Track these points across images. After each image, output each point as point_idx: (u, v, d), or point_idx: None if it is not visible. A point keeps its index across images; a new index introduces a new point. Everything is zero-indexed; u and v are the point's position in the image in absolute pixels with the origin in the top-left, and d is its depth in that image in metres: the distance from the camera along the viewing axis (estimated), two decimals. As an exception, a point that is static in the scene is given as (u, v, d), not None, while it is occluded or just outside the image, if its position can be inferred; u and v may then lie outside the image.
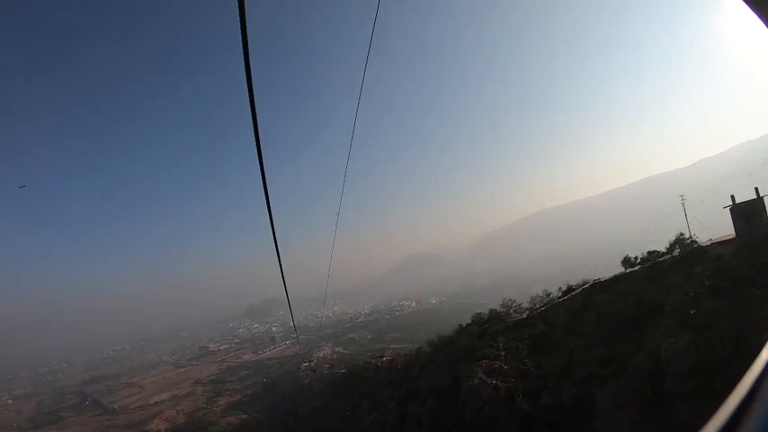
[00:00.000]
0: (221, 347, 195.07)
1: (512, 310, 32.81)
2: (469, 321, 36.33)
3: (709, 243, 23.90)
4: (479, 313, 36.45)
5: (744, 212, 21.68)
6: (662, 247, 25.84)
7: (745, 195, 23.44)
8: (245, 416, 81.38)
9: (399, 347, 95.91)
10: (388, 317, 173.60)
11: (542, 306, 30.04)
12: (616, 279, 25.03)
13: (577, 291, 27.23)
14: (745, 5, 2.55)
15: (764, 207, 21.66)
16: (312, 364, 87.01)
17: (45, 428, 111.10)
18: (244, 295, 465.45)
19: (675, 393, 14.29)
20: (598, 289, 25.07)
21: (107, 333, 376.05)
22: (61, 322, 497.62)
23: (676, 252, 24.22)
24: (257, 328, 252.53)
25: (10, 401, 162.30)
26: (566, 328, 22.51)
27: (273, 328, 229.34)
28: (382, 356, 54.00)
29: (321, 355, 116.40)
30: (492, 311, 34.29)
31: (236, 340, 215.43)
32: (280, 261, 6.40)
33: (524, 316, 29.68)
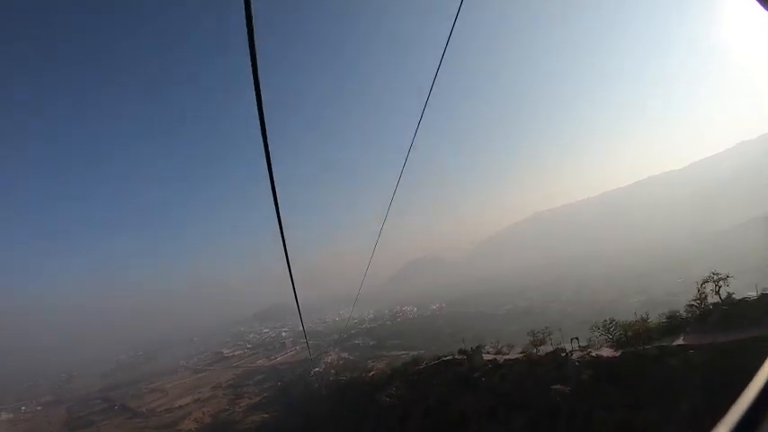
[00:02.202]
0: (235, 353, 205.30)
1: (424, 362, 50.86)
2: (409, 360, 57.49)
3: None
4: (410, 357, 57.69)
5: (469, 353, 40.89)
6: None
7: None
8: (265, 415, 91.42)
9: (397, 355, 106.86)
10: (390, 323, 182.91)
11: (424, 365, 49.12)
12: (446, 362, 44.95)
13: (436, 363, 46.45)
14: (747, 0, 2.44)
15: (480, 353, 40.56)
16: (321, 369, 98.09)
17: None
18: (251, 302, 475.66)
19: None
20: (448, 363, 44.39)
21: (115, 338, 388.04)
22: (68, 328, 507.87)
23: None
24: (267, 333, 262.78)
25: (39, 408, 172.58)
26: (422, 384, 42.78)
27: (283, 333, 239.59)
28: (371, 371, 66.53)
29: (328, 360, 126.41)
30: (409, 361, 54.69)
31: (248, 345, 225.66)
32: (290, 268, 6.15)
33: (422, 366, 48.22)
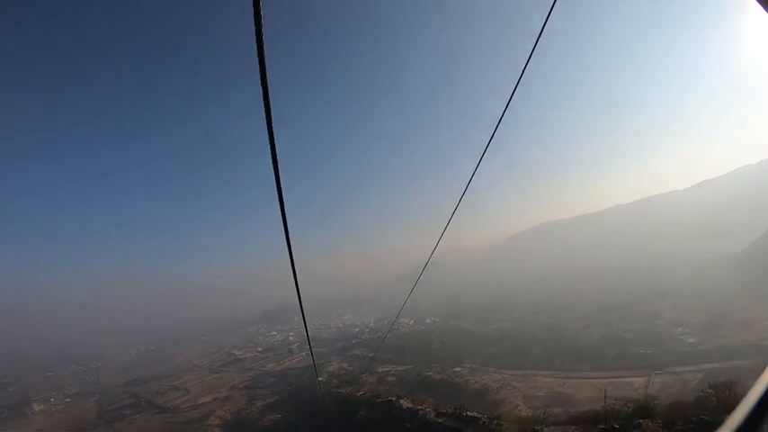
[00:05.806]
0: (247, 355, 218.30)
1: (379, 398, 72.32)
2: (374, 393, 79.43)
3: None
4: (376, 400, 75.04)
5: (396, 398, 68.39)
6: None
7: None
8: (279, 415, 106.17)
9: (387, 370, 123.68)
10: (388, 335, 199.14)
11: (380, 399, 71.31)
12: (388, 401, 69.70)
13: (385, 400, 69.50)
14: (763, 13, 2.45)
15: (400, 402, 67.83)
16: (324, 379, 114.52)
17: (120, 424, 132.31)
18: (258, 299, 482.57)
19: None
20: (389, 402, 68.74)
21: (123, 331, 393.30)
22: (74, 320, 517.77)
23: None
24: (275, 336, 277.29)
25: (68, 400, 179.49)
26: (378, 410, 67.49)
27: (290, 338, 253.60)
28: (359, 391, 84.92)
29: (331, 369, 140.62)
30: (374, 394, 76.79)
31: (258, 348, 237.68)
32: (295, 275, 6.08)
33: (379, 399, 71.38)
